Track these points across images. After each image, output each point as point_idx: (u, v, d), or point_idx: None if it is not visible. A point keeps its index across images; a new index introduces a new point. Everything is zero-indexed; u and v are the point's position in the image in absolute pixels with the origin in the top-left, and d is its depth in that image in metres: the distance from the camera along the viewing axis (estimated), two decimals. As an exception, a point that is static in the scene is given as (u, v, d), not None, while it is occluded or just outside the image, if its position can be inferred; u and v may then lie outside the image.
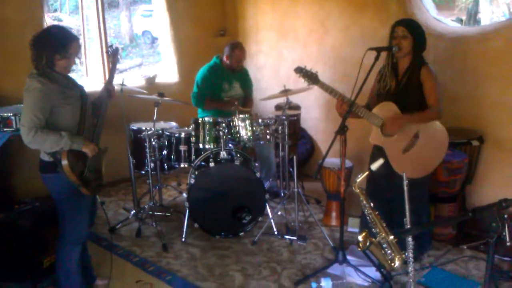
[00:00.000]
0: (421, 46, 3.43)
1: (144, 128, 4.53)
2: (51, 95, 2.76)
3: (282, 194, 4.84)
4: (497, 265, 3.58)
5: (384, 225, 2.79)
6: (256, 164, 4.94)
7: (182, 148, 4.47)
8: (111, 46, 3.59)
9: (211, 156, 4.22)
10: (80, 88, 3.03)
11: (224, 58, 4.90)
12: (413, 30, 3.39)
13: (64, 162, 2.78)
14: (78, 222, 3.04)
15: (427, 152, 3.39)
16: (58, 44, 2.80)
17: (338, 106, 3.43)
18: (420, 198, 3.50)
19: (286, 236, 4.19)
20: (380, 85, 3.56)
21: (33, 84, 2.73)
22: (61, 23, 13.56)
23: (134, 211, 4.62)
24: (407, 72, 3.43)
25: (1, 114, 4.02)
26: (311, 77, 3.49)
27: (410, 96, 3.39)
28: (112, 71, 3.43)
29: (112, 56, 3.51)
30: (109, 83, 3.30)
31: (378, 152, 3.50)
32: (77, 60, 2.98)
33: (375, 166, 2.83)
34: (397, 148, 3.42)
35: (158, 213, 4.65)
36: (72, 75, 3.05)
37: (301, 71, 3.52)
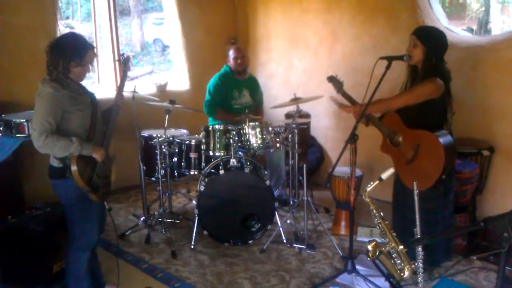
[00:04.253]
0: (432, 55, 3.34)
1: (155, 135, 4.55)
2: (62, 100, 2.79)
3: (292, 203, 4.83)
4: (507, 276, 3.55)
5: (394, 234, 2.78)
6: (266, 172, 4.95)
7: (192, 155, 4.48)
8: (123, 54, 3.62)
9: (221, 163, 4.23)
10: (90, 95, 3.06)
11: (229, 64, 4.96)
12: (423, 39, 3.34)
13: (74, 167, 2.80)
14: (88, 228, 3.05)
15: (426, 165, 3.31)
16: (74, 52, 2.84)
17: (354, 111, 3.49)
18: (431, 211, 3.45)
19: (295, 245, 4.18)
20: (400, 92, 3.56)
21: (46, 89, 2.76)
22: (73, 31, 13.69)
23: (143, 217, 4.65)
24: (418, 81, 3.41)
25: (14, 120, 4.05)
26: (337, 85, 3.71)
27: (413, 106, 3.33)
28: (123, 79, 3.43)
29: (123, 64, 3.52)
30: (119, 92, 3.30)
31: None
32: (90, 68, 3.01)
33: (385, 175, 2.83)
34: (401, 159, 3.42)
35: (167, 220, 4.66)
36: (84, 82, 3.08)
37: (332, 80, 3.75)
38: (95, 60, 3.16)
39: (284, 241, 4.24)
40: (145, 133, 4.76)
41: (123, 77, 3.46)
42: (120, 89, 3.33)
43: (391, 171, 2.84)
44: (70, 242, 3.09)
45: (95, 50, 3.01)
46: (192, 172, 4.55)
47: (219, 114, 4.94)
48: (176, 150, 4.53)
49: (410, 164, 3.38)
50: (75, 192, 2.88)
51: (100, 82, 6.10)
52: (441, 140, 3.24)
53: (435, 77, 3.29)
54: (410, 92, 3.37)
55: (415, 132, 3.34)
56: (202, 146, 4.36)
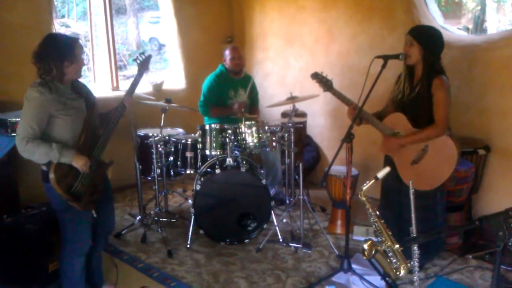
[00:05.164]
0: (430, 55, 3.34)
1: (151, 134, 4.55)
2: (48, 105, 2.73)
3: (288, 201, 4.84)
4: (503, 275, 3.56)
5: (390, 233, 2.79)
6: (262, 171, 4.94)
7: (189, 154, 4.48)
8: (143, 53, 3.34)
9: (217, 162, 4.22)
10: (85, 99, 2.97)
11: (225, 64, 4.96)
12: (419, 38, 3.33)
13: (51, 175, 2.75)
14: (79, 233, 3.01)
15: (435, 165, 3.34)
16: (63, 51, 2.78)
17: (349, 113, 3.46)
18: (428, 208, 3.47)
19: (291, 244, 4.19)
20: (395, 92, 3.55)
21: (32, 94, 2.72)
22: (69, 29, 13.67)
23: (139, 217, 4.64)
24: (420, 81, 3.39)
25: (9, 119, 4.04)
26: (326, 84, 3.58)
27: (420, 106, 3.35)
28: (136, 79, 3.22)
29: (141, 65, 3.29)
30: (129, 93, 3.15)
31: (389, 162, 3.51)
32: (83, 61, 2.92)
33: (381, 174, 2.83)
34: (406, 160, 3.42)
35: (163, 219, 4.66)
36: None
37: (317, 77, 3.60)
38: (85, 52, 3.01)
39: (280, 240, 4.25)
40: (141, 132, 4.75)
41: (137, 77, 3.24)
42: (131, 89, 3.18)
43: (387, 170, 2.85)
44: (63, 246, 3.07)
45: (79, 41, 2.93)
46: (188, 171, 4.54)
47: (214, 111, 4.93)
48: (172, 149, 4.52)
49: (415, 165, 3.39)
50: (61, 197, 2.82)
51: (96, 81, 6.09)
52: (453, 140, 3.30)
53: (438, 76, 3.31)
54: (438, 112, 3.33)
55: None
56: (198, 145, 4.36)
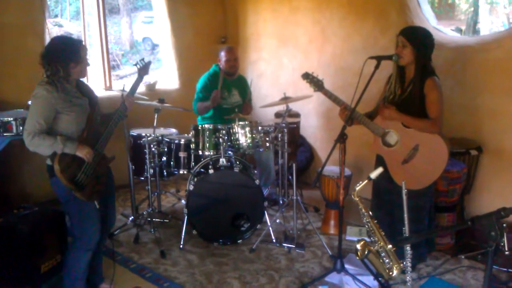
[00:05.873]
0: (422, 56, 3.35)
1: (144, 134, 4.54)
2: (55, 102, 2.86)
3: (281, 202, 4.84)
4: (495, 275, 3.57)
5: (383, 233, 2.79)
6: (255, 172, 4.94)
7: (182, 154, 4.47)
8: (142, 59, 3.56)
9: (211, 163, 4.22)
10: (89, 98, 3.11)
11: (219, 64, 4.95)
12: (412, 39, 3.34)
13: (56, 166, 2.86)
14: (86, 227, 3.09)
15: (425, 165, 3.36)
16: (69, 53, 2.91)
17: (341, 113, 3.46)
18: (420, 208, 3.49)
19: (284, 244, 4.19)
20: (387, 93, 3.56)
21: (40, 92, 2.84)
22: (61, 29, 13.63)
23: (132, 217, 4.62)
24: (412, 82, 3.40)
25: (1, 119, 4.01)
26: (317, 84, 3.56)
27: (412, 107, 3.36)
28: (136, 82, 3.44)
29: (141, 69, 3.49)
30: (130, 94, 3.35)
31: (381, 162, 3.51)
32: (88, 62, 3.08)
33: (374, 174, 2.83)
34: (397, 159, 3.43)
35: (156, 220, 4.65)
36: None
37: (308, 77, 3.59)
38: (88, 52, 3.18)
39: (274, 240, 4.24)
40: (134, 132, 4.73)
41: (138, 80, 3.47)
42: (131, 90, 3.37)
43: (380, 170, 2.85)
44: (72, 241, 3.16)
45: (83, 43, 3.07)
46: (181, 172, 4.52)
47: (198, 105, 4.92)
48: (165, 149, 4.51)
49: (405, 164, 3.40)
50: (67, 189, 2.91)
51: (88, 81, 6.06)
52: (443, 139, 3.32)
53: (430, 76, 3.33)
54: (432, 110, 3.35)
55: (416, 132, 3.37)
56: (191, 145, 4.35)
